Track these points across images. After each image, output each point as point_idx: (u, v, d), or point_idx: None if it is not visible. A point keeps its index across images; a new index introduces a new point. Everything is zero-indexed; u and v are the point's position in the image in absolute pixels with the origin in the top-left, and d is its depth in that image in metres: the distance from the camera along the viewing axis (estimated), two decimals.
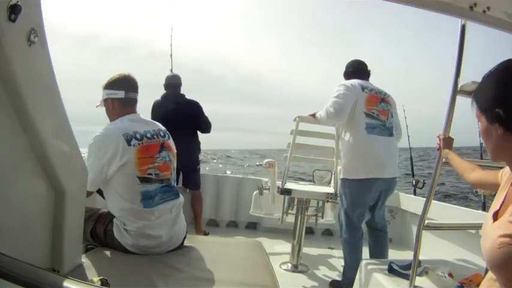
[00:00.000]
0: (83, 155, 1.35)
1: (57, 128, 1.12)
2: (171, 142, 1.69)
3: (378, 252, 2.29)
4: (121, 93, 1.60)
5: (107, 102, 1.63)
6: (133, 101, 1.66)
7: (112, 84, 1.62)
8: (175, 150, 1.71)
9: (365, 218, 2.31)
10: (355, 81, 2.25)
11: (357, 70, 2.36)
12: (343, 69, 2.46)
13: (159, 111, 3.21)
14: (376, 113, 2.19)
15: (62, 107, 1.11)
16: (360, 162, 2.14)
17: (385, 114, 2.23)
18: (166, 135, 1.68)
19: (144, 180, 1.51)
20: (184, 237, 1.65)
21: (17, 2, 0.82)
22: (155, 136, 1.61)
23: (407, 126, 4.11)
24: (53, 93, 1.07)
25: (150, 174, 1.53)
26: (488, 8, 1.28)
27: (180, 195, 1.68)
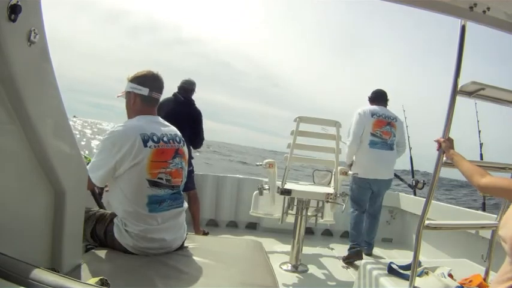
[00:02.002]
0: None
1: (57, 128, 1.12)
2: (185, 149, 1.65)
3: (369, 230, 3.18)
4: (145, 90, 1.56)
5: (129, 95, 1.59)
6: (155, 101, 1.61)
7: (138, 79, 1.57)
8: (187, 157, 1.68)
9: (367, 202, 3.13)
10: (368, 109, 3.06)
11: (378, 98, 3.16)
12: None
13: (165, 109, 3.23)
14: (380, 133, 3.01)
15: (62, 107, 1.11)
16: (362, 167, 2.97)
17: (387, 134, 3.03)
18: (182, 142, 1.64)
19: (153, 184, 1.47)
20: (184, 239, 1.65)
21: (17, 2, 0.82)
22: (171, 141, 1.57)
23: (407, 126, 4.11)
24: (53, 93, 1.07)
25: (161, 178, 1.49)
26: (488, 8, 1.28)
27: (185, 202, 1.67)
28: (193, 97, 3.32)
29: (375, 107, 3.09)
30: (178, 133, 1.66)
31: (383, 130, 3.02)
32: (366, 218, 3.18)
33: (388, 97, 3.19)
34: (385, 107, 3.14)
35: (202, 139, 3.29)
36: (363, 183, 3.01)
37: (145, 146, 1.45)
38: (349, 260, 2.92)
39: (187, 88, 3.27)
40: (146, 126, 1.51)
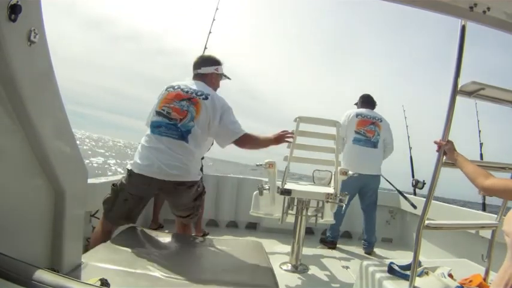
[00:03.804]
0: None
1: (57, 128, 1.12)
2: (205, 103, 1.97)
3: (365, 228, 3.35)
4: None
5: None
6: (194, 76, 2.15)
7: None
8: (204, 112, 1.95)
9: (351, 198, 3.25)
10: (353, 111, 3.40)
11: (365, 101, 3.50)
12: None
13: None
14: (363, 132, 3.31)
15: (62, 107, 1.11)
16: (346, 162, 3.18)
17: (371, 132, 3.32)
18: (203, 96, 1.98)
19: (157, 113, 1.96)
20: (186, 180, 1.91)
21: (17, 2, 0.82)
22: (189, 92, 1.99)
23: (407, 126, 4.12)
24: (53, 93, 1.07)
25: (163, 110, 1.95)
26: (488, 9, 1.28)
27: (189, 142, 1.91)
28: None
29: (361, 109, 3.43)
30: (206, 91, 2.02)
31: (367, 129, 3.32)
32: (363, 216, 3.38)
33: (375, 100, 3.53)
34: (372, 109, 3.46)
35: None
36: (347, 178, 3.04)
37: (165, 90, 2.03)
38: (323, 244, 3.36)
39: None
40: (179, 82, 2.06)
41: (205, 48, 3.51)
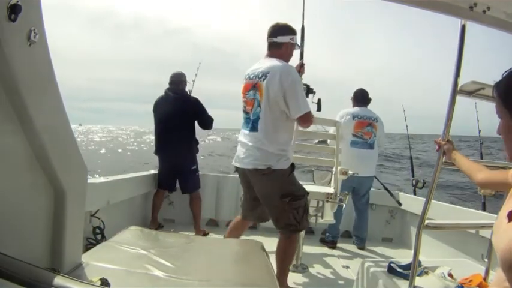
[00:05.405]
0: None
1: (57, 128, 1.12)
2: (264, 83, 1.93)
3: (357, 225, 3.43)
4: None
5: None
6: (269, 45, 2.06)
7: None
8: (266, 92, 1.92)
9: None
10: (349, 113, 3.32)
11: (359, 99, 3.41)
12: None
13: (159, 107, 3.25)
14: (361, 134, 3.30)
15: (62, 106, 1.11)
16: (345, 165, 2.95)
17: (368, 134, 3.32)
18: (263, 76, 1.95)
19: (242, 111, 2.09)
20: (260, 167, 1.94)
21: (17, 1, 0.82)
22: (253, 77, 2.01)
23: (407, 126, 4.12)
24: (53, 93, 1.07)
25: (243, 105, 2.08)
26: (488, 8, 1.28)
27: (259, 129, 1.95)
28: (187, 88, 3.35)
29: (356, 109, 3.37)
30: (267, 69, 1.95)
31: (364, 131, 3.31)
32: (355, 214, 3.45)
33: (370, 97, 3.45)
34: (366, 107, 3.41)
35: (211, 119, 3.30)
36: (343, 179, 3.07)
37: (243, 80, 2.08)
38: (323, 244, 3.37)
39: (176, 81, 3.25)
40: (250, 68, 2.07)
41: (301, 46, 2.52)
